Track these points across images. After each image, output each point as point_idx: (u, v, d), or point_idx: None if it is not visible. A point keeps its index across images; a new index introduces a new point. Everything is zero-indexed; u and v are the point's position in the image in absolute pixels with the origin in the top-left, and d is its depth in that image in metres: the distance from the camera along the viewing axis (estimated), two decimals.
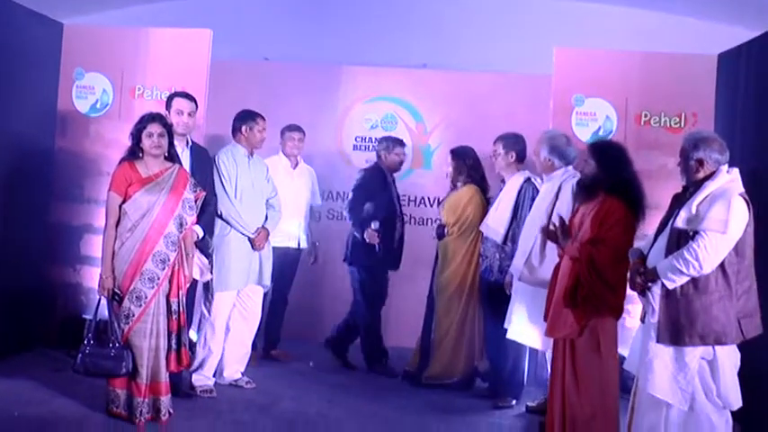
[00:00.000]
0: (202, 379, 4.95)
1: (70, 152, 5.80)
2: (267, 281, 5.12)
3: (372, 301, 5.71)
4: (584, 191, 4.13)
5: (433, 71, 6.88)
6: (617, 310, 3.99)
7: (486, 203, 5.35)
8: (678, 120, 5.54)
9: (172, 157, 4.39)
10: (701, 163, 3.61)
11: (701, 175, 3.61)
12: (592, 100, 5.60)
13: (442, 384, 5.31)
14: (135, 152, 4.30)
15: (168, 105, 4.86)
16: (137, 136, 4.28)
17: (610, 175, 4.03)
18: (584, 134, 5.55)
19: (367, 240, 5.55)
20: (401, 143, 5.89)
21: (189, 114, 4.82)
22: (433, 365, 5.35)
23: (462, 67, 6.82)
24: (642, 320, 3.72)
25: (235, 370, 5.13)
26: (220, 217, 4.95)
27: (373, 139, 6.75)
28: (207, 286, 4.93)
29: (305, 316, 6.39)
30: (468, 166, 5.40)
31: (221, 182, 4.95)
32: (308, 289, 6.42)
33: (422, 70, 6.91)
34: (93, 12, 6.83)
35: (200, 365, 4.97)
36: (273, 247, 5.51)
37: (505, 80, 6.62)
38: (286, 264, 5.84)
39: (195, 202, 4.41)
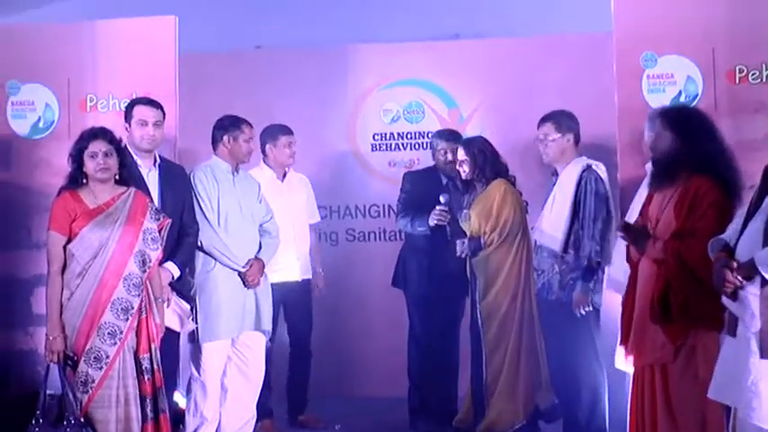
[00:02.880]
0: None
1: (10, 186, 5.81)
2: (267, 325, 5.11)
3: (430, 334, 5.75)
4: (662, 172, 4.07)
5: (467, 42, 6.88)
6: (719, 322, 3.82)
7: (522, 200, 5.39)
8: None
9: (125, 180, 4.41)
10: None
11: None
12: (667, 58, 5.47)
13: None
14: (76, 178, 4.32)
15: (128, 116, 4.90)
16: (77, 158, 4.31)
17: (694, 148, 3.96)
18: (661, 102, 5.35)
19: (435, 222, 5.55)
20: (446, 137, 5.86)
21: (155, 125, 4.86)
22: (490, 414, 5.31)
23: (502, 34, 6.81)
24: (732, 333, 3.59)
25: None
26: (201, 249, 4.96)
27: (395, 136, 6.75)
28: (192, 337, 4.93)
29: (333, 367, 6.42)
30: (486, 157, 5.41)
31: (200, 206, 4.97)
32: (333, 333, 6.45)
33: (452, 42, 6.92)
34: (23, 9, 6.89)
35: None
36: (272, 285, 5.55)
37: (556, 44, 6.59)
38: (293, 303, 5.85)
39: (159, 232, 4.41)
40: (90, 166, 4.31)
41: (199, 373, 4.97)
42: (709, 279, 3.75)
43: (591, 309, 4.99)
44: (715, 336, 3.89)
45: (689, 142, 4.00)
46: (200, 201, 4.97)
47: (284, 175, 5.95)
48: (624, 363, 4.31)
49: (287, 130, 5.92)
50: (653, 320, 3.96)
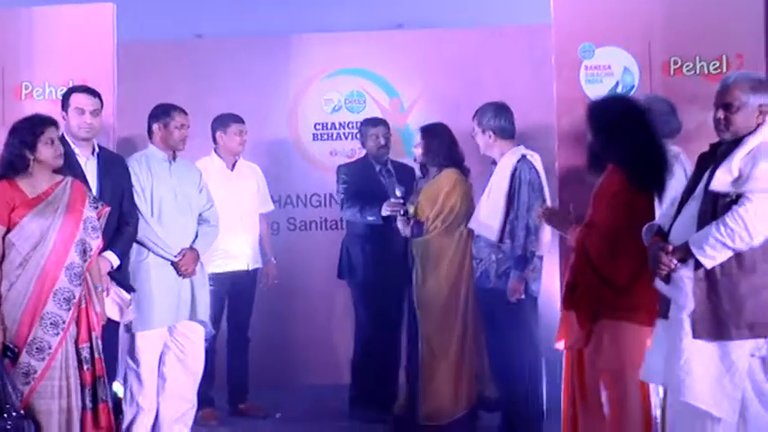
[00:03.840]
0: None
1: None
2: (203, 315, 5.13)
3: (376, 323, 5.83)
4: (588, 164, 4.25)
5: (408, 32, 6.93)
6: (629, 313, 4.00)
7: (471, 192, 5.45)
8: (718, 64, 5.51)
9: (61, 169, 4.40)
10: (761, 110, 3.65)
11: (755, 125, 3.63)
12: (604, 49, 5.57)
13: (442, 426, 5.34)
14: (18, 166, 4.29)
15: (65, 104, 4.90)
16: (31, 144, 4.28)
17: (607, 141, 4.10)
18: (599, 93, 5.43)
19: (388, 213, 5.63)
20: (375, 123, 6.03)
21: (92, 113, 4.86)
22: (428, 402, 5.37)
23: (444, 25, 6.86)
24: (663, 316, 3.73)
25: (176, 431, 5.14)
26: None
27: (336, 125, 6.82)
28: (127, 327, 4.95)
29: (273, 356, 6.45)
30: (442, 145, 5.48)
31: (132, 196, 5.00)
32: (274, 321, 6.48)
33: (394, 32, 6.96)
34: None
35: (129, 428, 4.97)
36: (218, 274, 5.65)
37: (496, 35, 6.67)
38: (238, 293, 5.91)
39: (98, 220, 4.43)
40: (47, 153, 4.29)
41: (134, 362, 5.00)
42: (609, 270, 3.98)
43: (524, 297, 5.06)
44: (628, 327, 4.01)
45: (603, 135, 4.13)
46: (133, 190, 4.99)
47: (234, 164, 5.99)
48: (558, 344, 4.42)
49: (238, 119, 5.98)
50: (563, 306, 4.13)
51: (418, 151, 5.57)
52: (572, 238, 4.18)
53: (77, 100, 4.87)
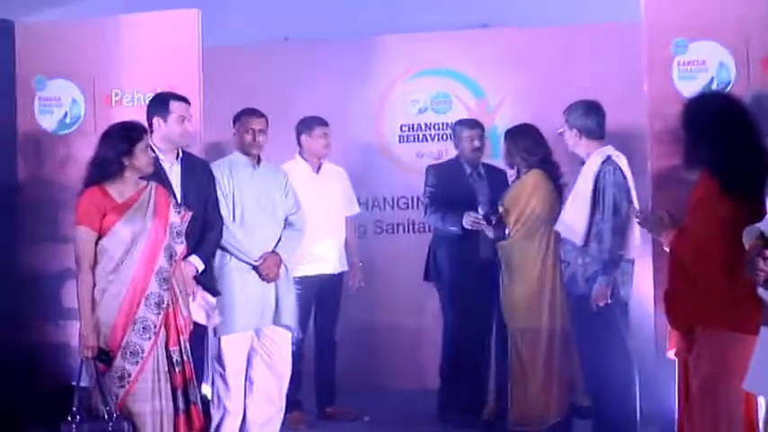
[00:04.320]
0: None
1: (38, 181, 5.93)
2: (289, 319, 5.14)
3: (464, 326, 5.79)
4: (683, 163, 4.09)
5: (494, 31, 6.88)
6: (730, 322, 3.82)
7: (559, 193, 5.39)
8: None
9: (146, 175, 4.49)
10: None
11: None
12: (698, 44, 5.44)
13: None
14: (110, 172, 4.34)
15: (161, 110, 4.90)
16: (127, 150, 4.33)
17: (695, 141, 3.94)
18: (692, 89, 5.32)
19: (469, 227, 5.61)
20: (470, 125, 5.96)
21: (190, 121, 4.96)
22: (518, 408, 5.34)
23: (531, 24, 6.81)
24: (766, 323, 3.59)
25: None
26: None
27: (423, 127, 6.79)
28: (214, 331, 5.00)
29: (361, 360, 6.49)
30: (521, 148, 5.46)
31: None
32: (361, 325, 6.52)
33: (479, 31, 6.92)
34: (48, 6, 6.95)
35: (216, 430, 5.02)
36: (305, 278, 5.67)
37: (584, 34, 6.59)
38: (325, 296, 5.94)
39: (181, 224, 4.48)
40: (144, 159, 4.37)
41: (220, 365, 5.04)
42: (703, 276, 3.83)
43: (610, 302, 4.94)
44: (725, 336, 3.83)
45: (693, 135, 3.97)
46: (216, 196, 5.03)
47: (319, 167, 6.01)
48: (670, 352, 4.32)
49: (322, 122, 5.99)
50: (665, 313, 4.04)
51: (503, 155, 5.60)
52: (666, 243, 4.05)
53: (179, 108, 4.93)
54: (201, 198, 4.90)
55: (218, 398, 5.06)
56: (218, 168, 5.15)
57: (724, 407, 3.86)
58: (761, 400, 3.81)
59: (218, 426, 5.04)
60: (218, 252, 5.02)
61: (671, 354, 4.16)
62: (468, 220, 5.61)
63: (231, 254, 5.03)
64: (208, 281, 4.86)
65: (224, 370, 5.03)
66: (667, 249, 4.07)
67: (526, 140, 5.50)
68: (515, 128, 5.64)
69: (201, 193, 4.93)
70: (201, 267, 4.78)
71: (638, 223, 4.39)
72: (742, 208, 3.80)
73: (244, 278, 5.03)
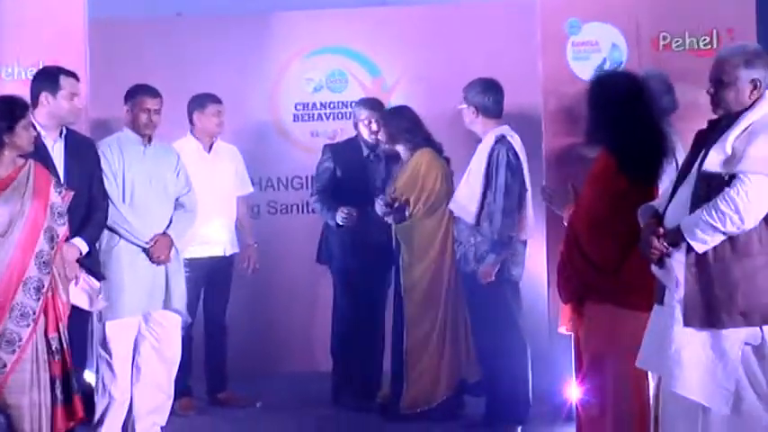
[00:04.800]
0: None
1: None
2: (179, 303, 5.02)
3: (357, 309, 5.74)
4: (584, 140, 4.20)
5: (391, 9, 6.82)
6: (617, 297, 3.94)
7: (449, 171, 5.43)
8: (708, 39, 5.48)
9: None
10: (755, 86, 3.52)
11: (750, 101, 3.50)
12: (591, 25, 5.53)
13: (425, 412, 5.31)
14: None
15: (51, 85, 4.68)
16: (8, 128, 4.09)
17: (597, 120, 4.02)
18: (585, 69, 5.45)
19: (340, 223, 5.58)
20: (369, 105, 5.88)
21: (79, 97, 4.77)
22: (411, 390, 5.35)
23: (427, 1, 6.81)
24: (659, 302, 3.63)
25: (150, 423, 5.02)
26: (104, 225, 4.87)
27: (318, 105, 6.72)
28: (99, 316, 4.86)
29: (253, 343, 6.38)
30: (403, 128, 5.44)
31: (103, 180, 4.87)
32: (253, 308, 6.41)
33: (376, 9, 6.85)
34: None
35: (101, 420, 4.88)
36: (195, 260, 5.53)
37: (482, 12, 6.58)
38: (215, 279, 5.82)
39: (62, 205, 4.29)
40: (25, 137, 4.17)
41: (105, 352, 4.90)
42: (594, 251, 3.94)
43: (503, 281, 5.03)
44: (614, 311, 3.95)
45: (597, 113, 4.06)
46: (103, 175, 4.86)
47: (211, 146, 5.88)
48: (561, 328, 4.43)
49: (215, 99, 5.85)
50: (557, 286, 4.14)
51: (380, 137, 5.55)
52: (566, 217, 4.16)
53: (69, 84, 4.72)
54: (86, 177, 4.73)
55: (104, 385, 4.91)
56: (108, 146, 4.98)
57: (611, 382, 3.95)
58: (650, 376, 3.86)
59: (104, 414, 4.89)
60: (107, 234, 4.86)
61: (563, 329, 4.22)
62: (340, 216, 5.57)
63: (121, 236, 4.88)
64: (92, 264, 4.68)
65: (110, 356, 4.89)
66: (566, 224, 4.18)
67: (407, 121, 5.49)
68: (393, 109, 5.69)
69: (86, 172, 4.75)
70: (86, 250, 4.60)
71: (546, 200, 4.44)
72: (637, 188, 3.93)
73: (133, 261, 4.89)
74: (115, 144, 4.99)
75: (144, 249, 4.89)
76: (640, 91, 4.10)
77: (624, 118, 3.99)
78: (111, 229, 4.86)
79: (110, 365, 4.89)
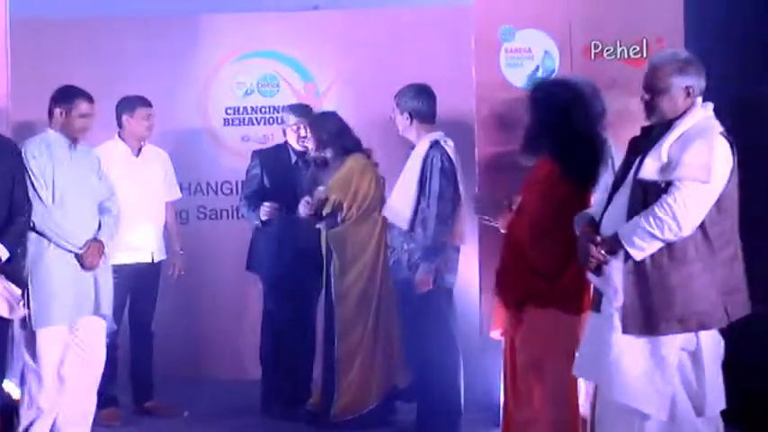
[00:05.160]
0: None
1: None
2: (107, 309, 4.91)
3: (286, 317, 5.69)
4: (522, 148, 4.18)
5: (324, 12, 6.77)
6: (558, 302, 3.95)
7: (379, 177, 5.43)
8: (638, 48, 5.52)
9: None
10: (688, 93, 3.56)
11: (683, 108, 3.55)
12: (525, 32, 5.53)
13: (355, 420, 5.28)
14: None
15: None
16: None
17: (538, 124, 4.05)
18: (518, 77, 5.48)
19: (264, 218, 5.51)
20: (297, 112, 5.79)
21: None
22: (342, 397, 5.31)
23: (360, 5, 6.74)
24: (596, 309, 3.63)
25: None
26: (34, 229, 4.69)
27: (249, 110, 6.66)
28: (24, 324, 4.69)
29: (180, 351, 6.31)
30: (333, 134, 5.41)
31: (32, 183, 4.70)
32: (181, 314, 6.33)
33: (309, 13, 6.78)
34: None
35: None
36: (121, 266, 5.40)
37: (415, 17, 6.56)
38: (141, 286, 5.70)
39: None
40: None
41: (34, 361, 4.73)
42: (536, 258, 3.96)
43: (437, 288, 4.99)
44: (557, 316, 3.97)
45: (536, 119, 4.09)
46: (32, 177, 4.69)
47: (140, 150, 5.75)
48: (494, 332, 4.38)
49: (145, 102, 5.73)
50: (494, 293, 4.15)
51: (309, 145, 5.48)
52: (503, 225, 4.15)
53: None
54: (8, 180, 4.57)
55: (31, 397, 4.74)
56: (36, 146, 4.79)
57: (550, 386, 3.95)
58: (581, 383, 3.86)
59: (28, 427, 4.73)
60: (35, 238, 4.70)
61: (495, 334, 4.21)
62: (263, 211, 5.51)
63: (51, 240, 4.72)
64: (12, 270, 4.53)
65: (39, 367, 4.72)
66: (503, 231, 4.17)
67: (336, 126, 5.46)
68: (321, 115, 5.66)
69: (8, 174, 4.59)
70: (6, 255, 4.46)
71: (475, 210, 4.44)
72: (578, 194, 3.97)
73: (62, 267, 4.74)
74: (43, 145, 4.81)
75: (75, 255, 4.75)
76: (578, 97, 4.13)
77: (566, 124, 4.02)
78: (41, 234, 4.70)
79: (38, 376, 4.72)
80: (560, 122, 4.02)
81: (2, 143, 4.72)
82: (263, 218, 5.55)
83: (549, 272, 3.94)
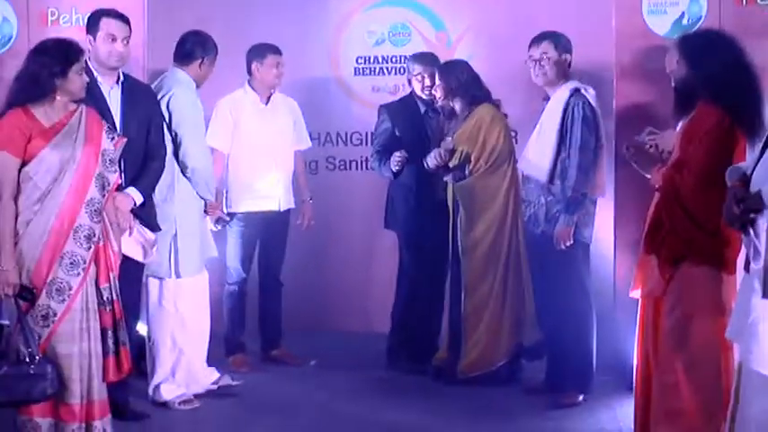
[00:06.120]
0: (174, 389, 4.91)
1: None
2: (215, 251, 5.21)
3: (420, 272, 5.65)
4: (677, 101, 4.03)
5: None
6: (717, 259, 3.79)
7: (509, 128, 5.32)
8: None
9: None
10: None
11: None
12: None
13: (482, 376, 5.23)
14: (38, 93, 4.02)
15: (92, 28, 4.65)
16: (62, 71, 4.01)
17: (704, 76, 3.85)
18: (662, 25, 5.31)
19: (395, 169, 5.48)
20: (421, 60, 5.69)
21: (123, 41, 4.65)
22: (470, 353, 5.26)
23: None
24: (746, 269, 3.43)
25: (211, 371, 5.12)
26: (183, 173, 4.91)
27: (380, 59, 6.57)
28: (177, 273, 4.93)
29: (308, 301, 6.33)
30: (462, 83, 5.28)
31: (196, 131, 4.93)
32: (310, 265, 6.37)
33: None
34: None
35: (173, 372, 4.93)
36: (249, 214, 5.61)
37: None
38: (270, 234, 5.75)
39: (114, 151, 4.21)
40: (78, 82, 4.07)
41: (176, 308, 4.93)
42: (703, 212, 3.78)
43: (575, 243, 4.88)
44: (712, 274, 3.81)
45: (700, 69, 3.90)
46: (163, 123, 4.84)
47: (269, 98, 5.76)
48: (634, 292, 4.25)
49: (275, 50, 5.72)
50: (645, 250, 3.96)
51: (438, 93, 5.35)
52: (656, 178, 3.99)
53: (109, 26, 4.63)
54: (144, 125, 4.66)
55: (174, 341, 4.94)
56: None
57: (697, 349, 3.81)
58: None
59: (174, 367, 4.95)
60: (180, 185, 4.90)
61: (636, 293, 4.06)
62: (394, 161, 5.47)
63: (198, 188, 4.96)
64: (147, 215, 4.62)
65: (181, 312, 4.93)
66: (656, 185, 4.01)
67: (465, 75, 5.32)
68: (450, 63, 5.49)
69: (144, 119, 4.68)
70: (140, 200, 4.54)
71: (630, 158, 4.24)
72: (746, 145, 3.76)
73: (200, 214, 5.02)
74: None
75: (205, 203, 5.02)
76: (740, 47, 3.93)
77: (741, 71, 3.84)
78: (190, 180, 4.95)
79: (183, 321, 4.94)
80: (732, 72, 3.83)
81: (138, 88, 4.81)
82: (395, 168, 5.49)
83: (714, 227, 3.75)
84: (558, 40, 5.03)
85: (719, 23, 5.16)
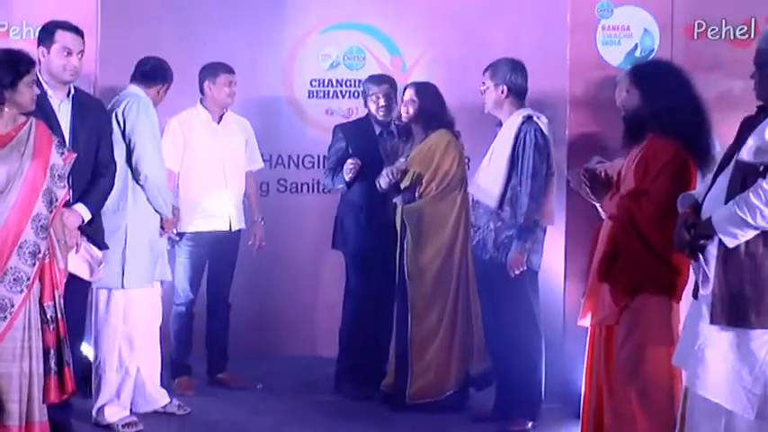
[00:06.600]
0: (119, 411, 4.84)
1: None
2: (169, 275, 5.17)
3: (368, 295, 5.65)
4: (627, 131, 4.12)
5: None
6: (671, 288, 3.87)
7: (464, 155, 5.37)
8: (745, 29, 5.38)
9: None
10: None
11: None
12: (623, 9, 5.41)
13: (431, 403, 5.21)
14: None
15: (46, 40, 4.59)
16: (11, 83, 3.97)
17: (657, 107, 3.96)
18: (616, 55, 5.38)
19: (347, 177, 5.48)
20: (378, 81, 5.72)
21: (78, 55, 4.61)
22: (417, 380, 5.24)
23: None
24: (694, 296, 3.50)
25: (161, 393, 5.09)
26: (137, 181, 4.86)
27: (334, 83, 6.60)
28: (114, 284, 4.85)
29: (256, 324, 6.29)
30: (435, 106, 5.33)
31: (152, 139, 4.88)
32: (258, 287, 6.35)
33: None
34: None
35: (117, 394, 4.86)
36: (198, 234, 5.57)
37: None
38: (219, 254, 5.71)
39: (64, 167, 4.16)
40: (28, 95, 4.04)
41: (124, 324, 4.87)
42: (660, 242, 3.84)
43: (526, 269, 4.90)
44: (666, 303, 3.89)
45: (653, 100, 4.01)
46: (112, 138, 4.80)
47: (221, 117, 5.74)
48: (583, 321, 4.28)
49: (228, 69, 5.72)
50: (599, 279, 4.00)
51: (407, 110, 5.35)
52: (608, 207, 4.04)
53: (65, 39, 4.57)
54: (93, 139, 4.62)
55: (120, 360, 4.88)
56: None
57: (650, 379, 3.86)
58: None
59: (119, 388, 4.87)
60: (134, 196, 4.87)
61: (585, 322, 4.10)
62: (346, 170, 5.48)
63: (152, 200, 4.91)
64: (94, 232, 4.58)
65: (131, 329, 4.88)
66: (604, 213, 4.09)
67: (440, 99, 5.38)
68: (426, 85, 5.49)
69: (94, 133, 4.64)
70: (88, 217, 4.49)
71: (577, 187, 4.32)
72: (696, 170, 3.91)
73: (153, 227, 4.96)
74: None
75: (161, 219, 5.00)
76: (689, 80, 4.07)
77: (692, 104, 3.97)
78: (146, 190, 4.90)
79: (130, 340, 4.89)
80: (681, 103, 3.95)
81: (88, 102, 4.76)
82: (348, 177, 5.48)
83: (666, 258, 3.83)
84: (496, 71, 5.06)
85: (671, 56, 5.23)
